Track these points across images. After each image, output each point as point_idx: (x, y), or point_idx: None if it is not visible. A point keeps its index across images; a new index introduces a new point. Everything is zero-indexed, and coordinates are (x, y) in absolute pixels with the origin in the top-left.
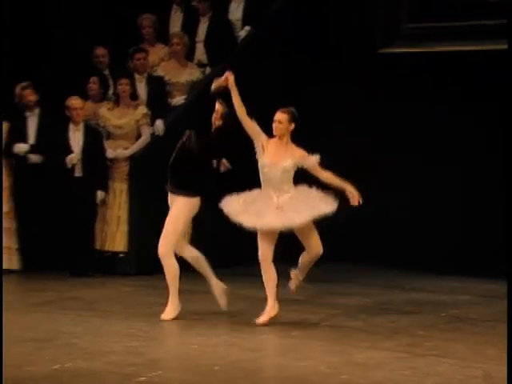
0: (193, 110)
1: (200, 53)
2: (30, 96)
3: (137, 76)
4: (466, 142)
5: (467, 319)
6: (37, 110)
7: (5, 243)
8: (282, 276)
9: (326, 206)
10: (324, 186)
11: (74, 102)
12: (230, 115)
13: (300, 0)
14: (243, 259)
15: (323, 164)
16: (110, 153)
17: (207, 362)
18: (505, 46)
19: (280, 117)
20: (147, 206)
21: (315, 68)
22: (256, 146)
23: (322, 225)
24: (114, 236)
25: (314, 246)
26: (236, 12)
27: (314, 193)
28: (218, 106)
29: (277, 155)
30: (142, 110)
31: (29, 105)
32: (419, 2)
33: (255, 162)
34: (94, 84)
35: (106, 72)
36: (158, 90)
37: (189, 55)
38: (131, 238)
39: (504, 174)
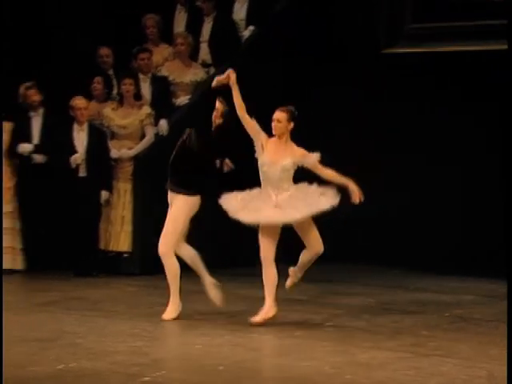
0: (197, 110)
1: (204, 53)
2: (34, 96)
3: (141, 76)
4: (467, 142)
5: (471, 319)
6: (41, 110)
7: (9, 243)
8: (284, 276)
9: (325, 202)
10: (326, 183)
11: (79, 101)
12: (230, 114)
13: (304, 0)
14: (243, 259)
15: (326, 164)
16: (114, 153)
17: (211, 362)
18: None
19: (279, 116)
20: (151, 206)
21: (318, 68)
22: (256, 144)
23: (322, 221)
24: (119, 236)
25: (314, 243)
26: (240, 12)
27: (313, 189)
28: (218, 104)
29: (276, 154)
30: (146, 109)
31: (33, 105)
32: (423, 2)
33: (256, 161)
34: (98, 84)
35: (110, 72)
36: (162, 89)
37: (193, 55)
38: (135, 238)
39: (504, 173)
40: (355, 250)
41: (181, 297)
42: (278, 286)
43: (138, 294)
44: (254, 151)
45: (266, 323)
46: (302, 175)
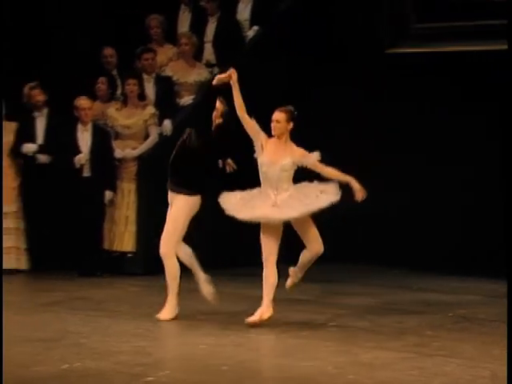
0: (201, 110)
1: (208, 53)
2: (39, 96)
3: (145, 76)
4: (467, 142)
5: (474, 319)
6: (45, 110)
7: (13, 243)
8: (284, 276)
9: (324, 199)
10: (328, 180)
11: (83, 102)
12: (230, 113)
13: (305, 0)
14: (243, 259)
15: (327, 163)
16: (118, 153)
17: (215, 362)
18: None
19: (278, 116)
20: (155, 206)
21: (319, 68)
22: (255, 145)
23: (322, 220)
24: (122, 236)
25: (314, 244)
26: (244, 12)
27: (312, 188)
28: (218, 104)
29: (275, 154)
30: (150, 110)
31: (37, 105)
32: (428, 2)
33: (257, 162)
34: (102, 84)
35: (114, 72)
36: (166, 90)
37: (197, 55)
38: (139, 238)
39: (504, 173)
40: (355, 250)
41: (179, 299)
42: (278, 286)
43: (141, 294)
44: (253, 151)
45: (263, 324)
46: (303, 175)
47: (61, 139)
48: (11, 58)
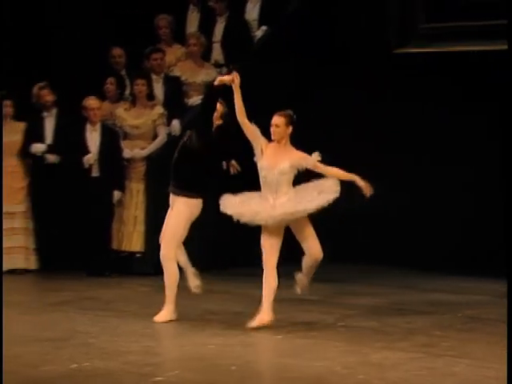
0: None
1: (217, 53)
2: (48, 96)
3: (154, 76)
4: (467, 142)
5: (484, 319)
6: (54, 110)
7: (22, 243)
8: (287, 277)
9: (321, 199)
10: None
11: (91, 102)
12: (230, 115)
13: (312, 2)
14: (243, 259)
15: (329, 164)
16: (126, 153)
17: (224, 361)
18: None
19: (277, 120)
20: (164, 206)
21: (323, 70)
22: (255, 149)
23: (322, 220)
24: (131, 236)
25: (313, 250)
26: (252, 12)
27: (311, 188)
28: (218, 105)
29: (274, 158)
30: (159, 110)
31: (46, 105)
32: (436, 2)
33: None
34: (110, 84)
35: (123, 72)
36: (175, 90)
37: (205, 55)
38: (148, 238)
39: (504, 173)
40: (355, 250)
41: (176, 303)
42: (284, 287)
43: (150, 293)
44: (253, 154)
45: (270, 325)
46: (303, 176)
47: (69, 139)
48: (11, 58)
